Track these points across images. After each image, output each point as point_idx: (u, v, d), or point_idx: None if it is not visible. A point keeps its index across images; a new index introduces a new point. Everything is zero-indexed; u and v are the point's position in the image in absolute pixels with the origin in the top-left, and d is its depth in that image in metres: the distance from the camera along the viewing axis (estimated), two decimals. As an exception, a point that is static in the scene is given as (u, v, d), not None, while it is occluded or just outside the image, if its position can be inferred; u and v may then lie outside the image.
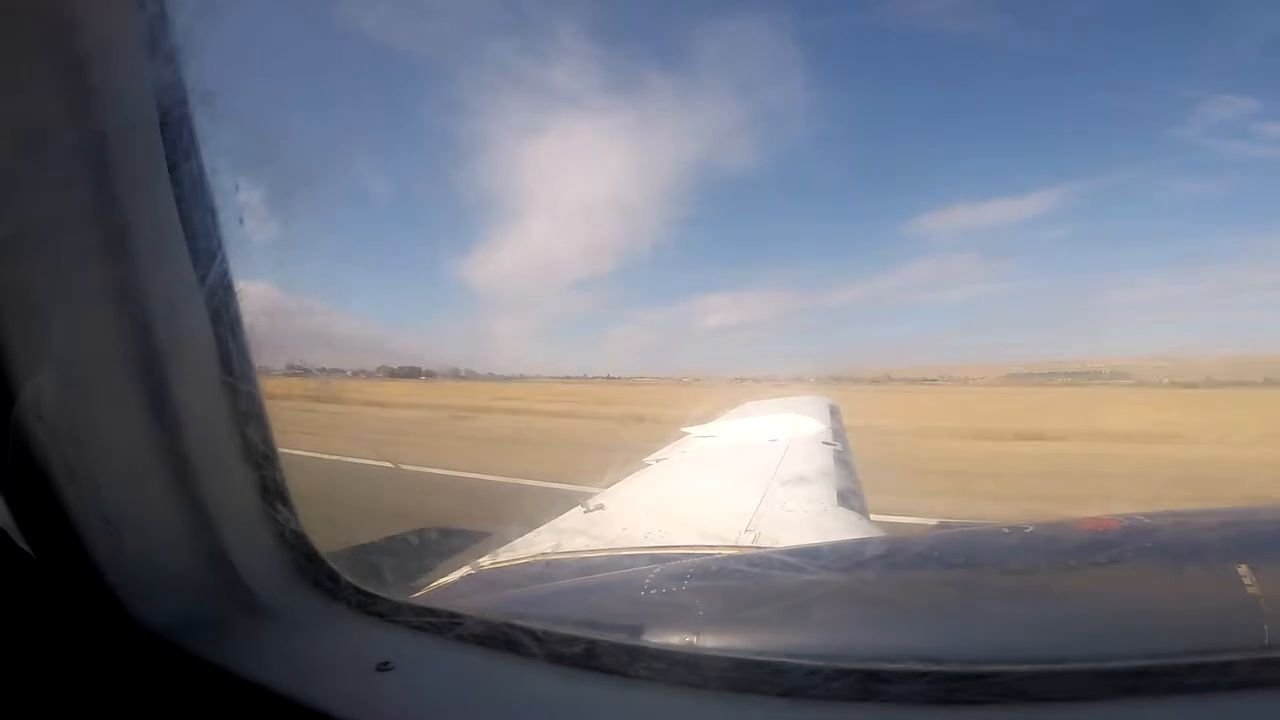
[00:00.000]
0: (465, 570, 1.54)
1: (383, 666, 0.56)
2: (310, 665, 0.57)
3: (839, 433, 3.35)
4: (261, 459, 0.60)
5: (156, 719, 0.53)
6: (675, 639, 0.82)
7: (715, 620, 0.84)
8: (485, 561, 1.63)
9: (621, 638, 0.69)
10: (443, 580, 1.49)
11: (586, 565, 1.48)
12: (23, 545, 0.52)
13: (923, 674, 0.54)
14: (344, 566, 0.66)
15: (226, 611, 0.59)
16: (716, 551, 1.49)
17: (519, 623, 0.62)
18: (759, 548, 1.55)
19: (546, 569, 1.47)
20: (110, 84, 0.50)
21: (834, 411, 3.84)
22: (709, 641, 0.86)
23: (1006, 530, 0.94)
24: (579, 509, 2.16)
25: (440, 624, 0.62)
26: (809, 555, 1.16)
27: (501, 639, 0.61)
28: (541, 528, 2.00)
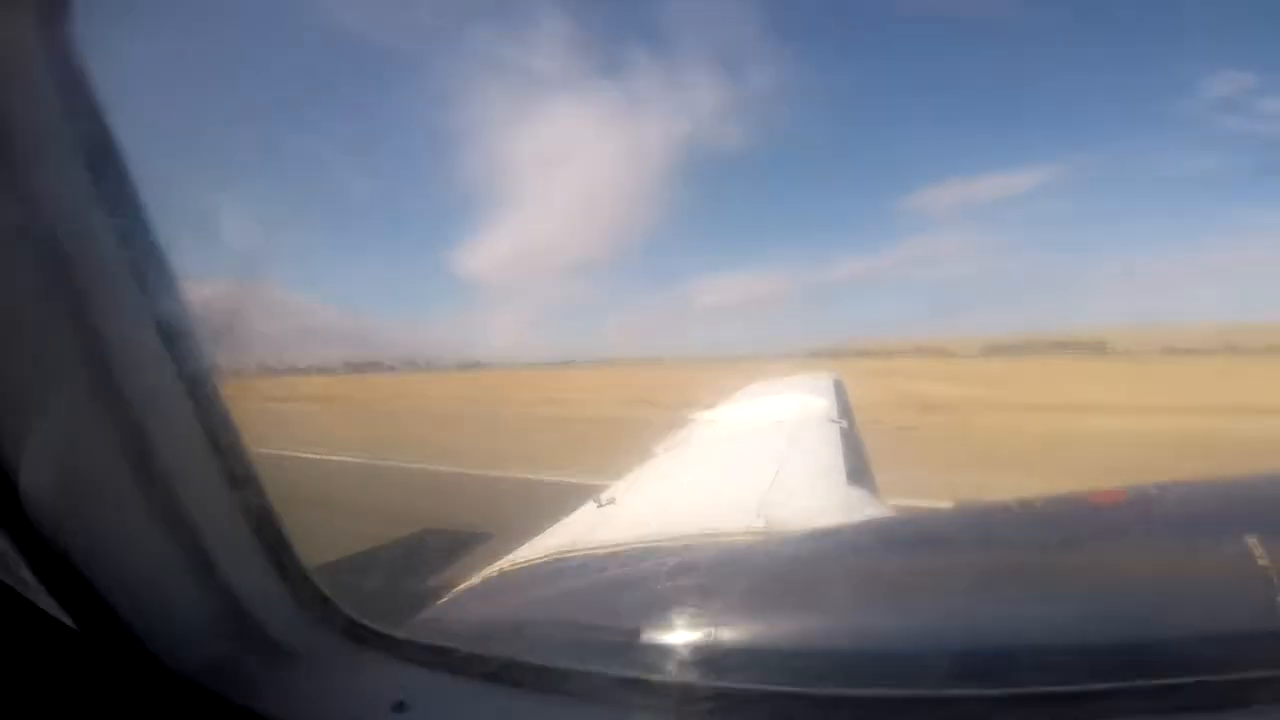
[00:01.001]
0: (484, 574, 1.57)
1: (398, 707, 0.58)
2: (330, 706, 0.60)
3: (844, 409, 3.36)
4: (261, 517, 0.62)
5: None
6: (691, 637, 0.84)
7: (727, 616, 0.87)
8: (503, 564, 1.66)
9: (630, 670, 0.70)
10: (462, 586, 1.52)
11: (602, 562, 1.50)
12: (67, 620, 0.54)
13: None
14: (353, 600, 0.68)
15: (251, 657, 0.62)
16: (728, 540, 1.51)
17: (530, 660, 0.64)
18: (771, 532, 1.57)
19: (563, 568, 1.50)
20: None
21: (838, 387, 3.85)
22: (726, 635, 0.88)
23: (1018, 508, 0.96)
24: (591, 504, 2.18)
25: (453, 663, 0.63)
26: (818, 540, 1.18)
27: (513, 675, 0.62)
28: (555, 525, 2.03)
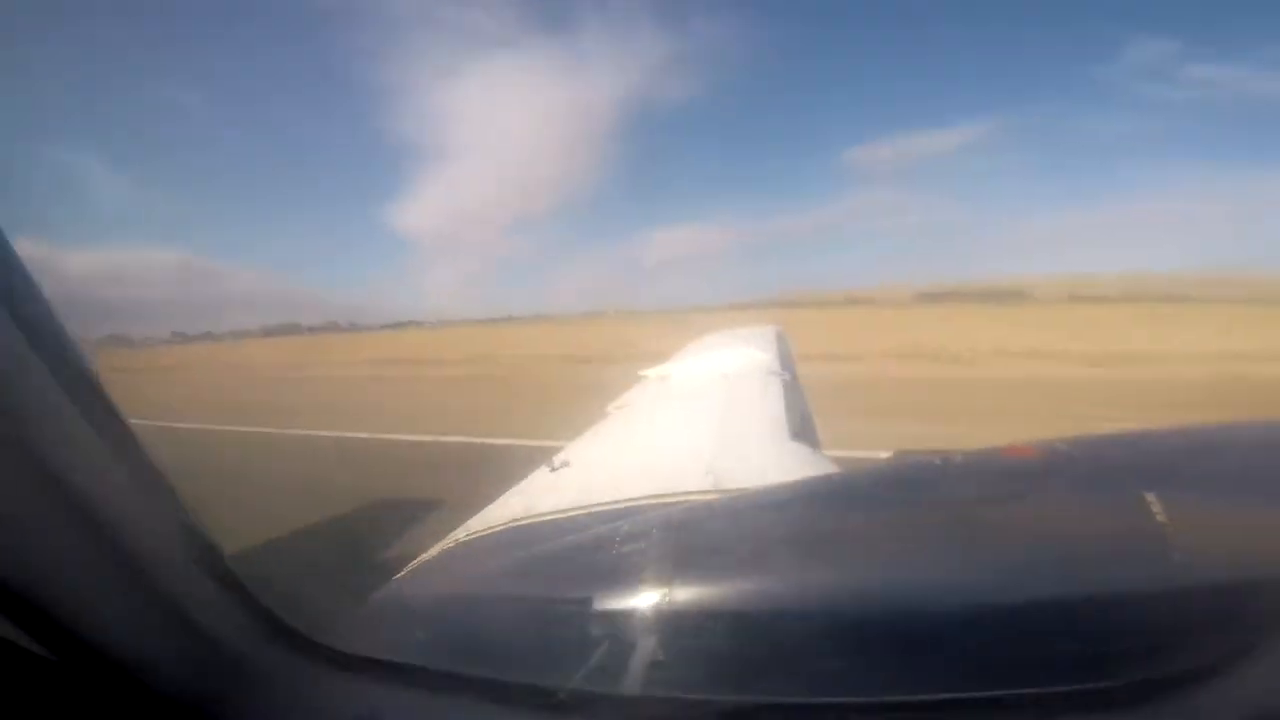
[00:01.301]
0: (440, 547, 1.57)
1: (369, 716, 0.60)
2: (311, 714, 0.61)
3: (786, 360, 3.48)
4: (202, 552, 0.61)
5: None
6: (646, 601, 0.89)
7: (679, 578, 0.91)
8: (460, 535, 1.66)
9: (590, 681, 0.74)
10: (419, 560, 1.52)
11: (558, 527, 1.53)
12: (43, 653, 0.54)
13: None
14: (315, 623, 0.68)
15: (228, 682, 0.62)
16: (679, 500, 1.57)
17: (488, 674, 0.66)
18: (720, 490, 1.64)
19: (519, 536, 1.52)
20: None
21: (780, 338, 3.96)
22: (680, 596, 0.93)
23: (943, 463, 1.02)
24: (545, 468, 2.20)
25: (412, 678, 0.65)
26: (757, 500, 1.24)
27: (473, 686, 0.64)
28: (509, 491, 2.04)
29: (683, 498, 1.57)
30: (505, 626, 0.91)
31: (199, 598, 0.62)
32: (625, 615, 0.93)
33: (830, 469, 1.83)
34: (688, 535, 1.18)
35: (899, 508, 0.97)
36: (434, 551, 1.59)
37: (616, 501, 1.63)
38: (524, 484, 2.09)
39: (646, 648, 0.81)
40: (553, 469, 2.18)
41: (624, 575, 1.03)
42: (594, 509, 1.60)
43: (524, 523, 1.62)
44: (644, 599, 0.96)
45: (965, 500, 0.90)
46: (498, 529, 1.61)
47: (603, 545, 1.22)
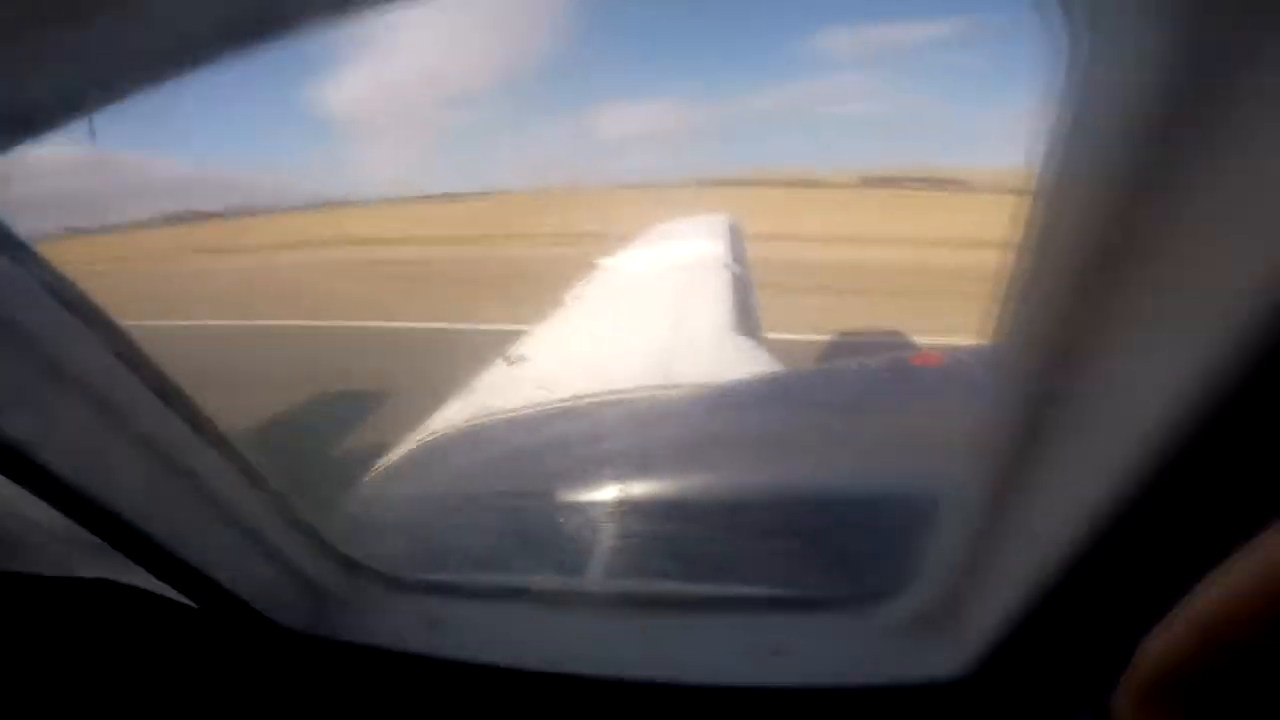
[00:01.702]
0: (408, 448, 1.66)
1: (435, 624, 0.76)
2: (385, 629, 0.77)
3: (739, 253, 3.53)
4: (282, 505, 0.74)
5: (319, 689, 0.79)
6: (607, 501, 1.04)
7: (639, 477, 1.07)
8: (423, 435, 1.75)
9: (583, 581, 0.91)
10: (386, 462, 1.61)
11: (520, 424, 1.64)
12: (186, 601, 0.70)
13: None
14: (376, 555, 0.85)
15: (320, 609, 0.79)
16: (634, 396, 1.69)
17: (515, 583, 0.83)
18: (671, 385, 1.77)
19: (484, 434, 1.62)
20: None
21: (734, 230, 3.98)
22: (642, 496, 1.09)
23: (858, 369, 1.17)
24: (502, 363, 2.28)
25: (462, 589, 0.83)
26: (699, 399, 1.38)
27: (506, 590, 0.82)
28: (470, 387, 2.12)
29: (634, 394, 1.69)
30: (488, 528, 1.05)
31: (288, 543, 0.74)
32: (590, 508, 1.08)
33: (767, 362, 1.98)
34: (638, 431, 1.31)
35: (798, 412, 1.14)
36: (402, 452, 1.67)
37: (577, 397, 1.74)
38: (484, 378, 2.18)
39: (607, 538, 0.96)
40: (510, 363, 2.27)
41: (585, 473, 1.17)
42: (550, 407, 1.71)
43: (485, 421, 1.72)
44: (605, 493, 1.11)
45: (847, 407, 1.06)
46: (461, 429, 1.71)
47: (568, 444, 1.35)
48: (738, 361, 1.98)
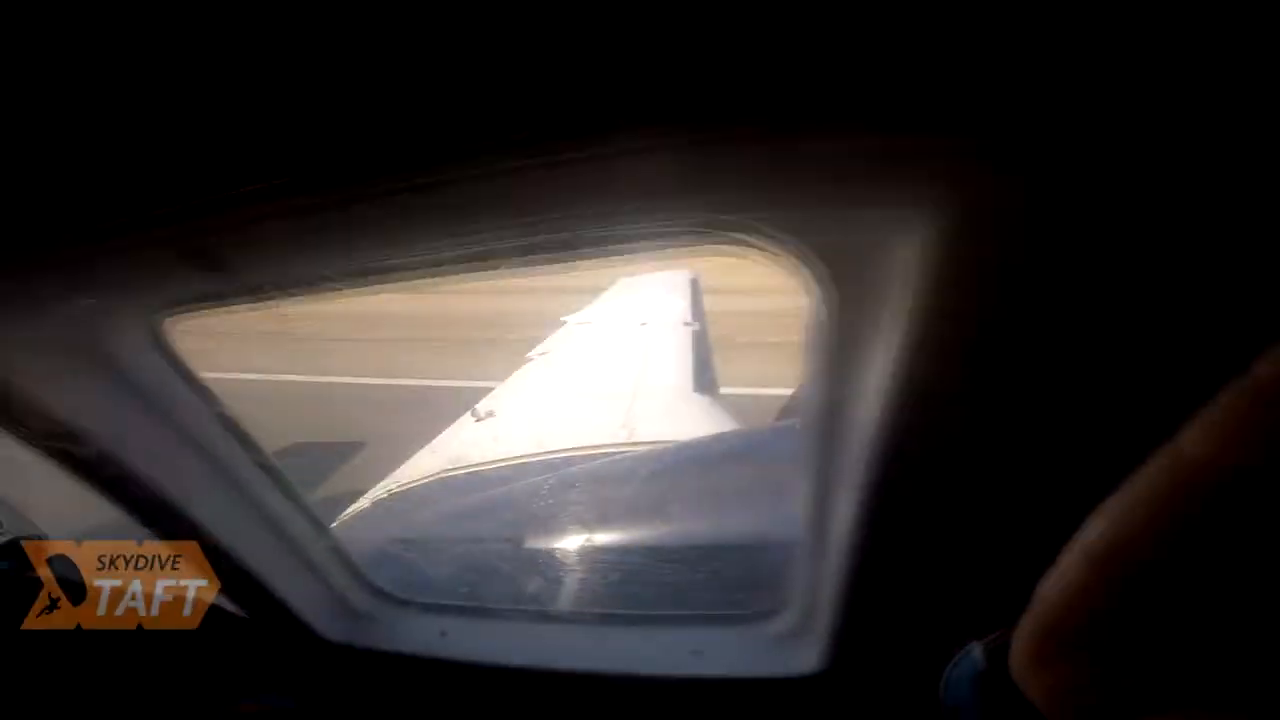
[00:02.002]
0: (368, 501, 1.70)
1: (444, 633, 0.94)
2: (409, 639, 0.94)
3: (698, 309, 3.73)
4: (321, 533, 0.91)
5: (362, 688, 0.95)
6: (571, 544, 1.15)
7: (598, 525, 1.20)
8: (389, 485, 1.79)
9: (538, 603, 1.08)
10: (352, 510, 1.64)
11: (486, 479, 1.71)
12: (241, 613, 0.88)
13: None
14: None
15: (356, 625, 0.96)
16: (598, 452, 1.78)
17: (501, 604, 1.01)
18: (632, 444, 1.87)
19: (448, 489, 1.68)
20: None
21: (694, 286, 4.19)
22: (600, 539, 1.20)
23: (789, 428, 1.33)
24: (469, 417, 2.34)
25: (460, 609, 1.00)
26: (661, 457, 1.50)
27: (495, 610, 1.00)
28: (434, 441, 2.17)
29: (600, 450, 1.79)
30: (462, 566, 1.17)
31: (329, 567, 0.92)
32: (551, 551, 1.19)
33: (724, 420, 2.12)
34: (596, 490, 1.41)
35: (738, 467, 1.30)
36: (366, 503, 1.71)
37: (543, 454, 1.82)
38: (449, 433, 2.23)
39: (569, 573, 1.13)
40: (477, 419, 2.33)
41: (547, 521, 1.27)
42: (521, 460, 1.78)
43: (450, 475, 1.77)
44: (565, 539, 1.21)
45: (777, 459, 1.24)
46: (423, 482, 1.75)
47: (532, 499, 1.43)
48: (697, 418, 2.10)
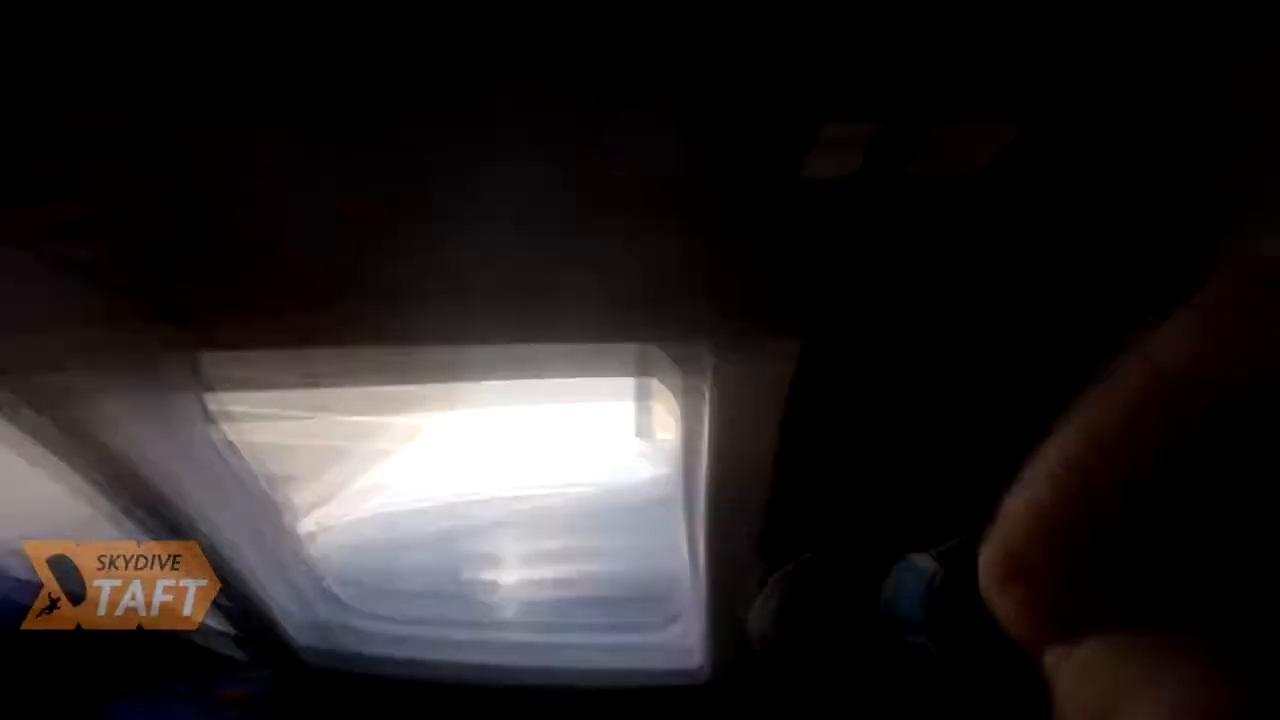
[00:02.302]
0: (334, 518, 1.64)
1: (403, 640, 1.12)
2: (373, 643, 1.13)
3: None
4: (304, 561, 1.10)
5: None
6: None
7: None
8: (317, 518, 1.72)
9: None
10: (317, 527, 1.57)
11: (420, 515, 1.69)
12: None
13: None
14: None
15: (332, 630, 1.13)
16: (527, 495, 1.80)
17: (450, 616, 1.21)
18: (568, 485, 1.90)
19: (384, 521, 1.65)
20: None
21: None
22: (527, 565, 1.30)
23: None
24: (402, 452, 2.28)
25: (413, 619, 1.18)
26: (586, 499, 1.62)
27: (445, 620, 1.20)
28: (364, 479, 2.10)
29: (528, 494, 1.80)
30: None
31: (311, 588, 1.09)
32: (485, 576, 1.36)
33: (660, 462, 2.17)
34: (528, 530, 1.47)
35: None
36: (331, 519, 1.64)
37: (471, 495, 1.81)
38: (379, 470, 2.17)
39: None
40: (410, 455, 2.27)
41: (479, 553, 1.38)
42: (453, 501, 1.77)
43: (385, 511, 1.74)
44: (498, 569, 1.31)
45: None
46: (359, 518, 1.70)
47: (463, 534, 1.44)
48: (632, 463, 2.15)
